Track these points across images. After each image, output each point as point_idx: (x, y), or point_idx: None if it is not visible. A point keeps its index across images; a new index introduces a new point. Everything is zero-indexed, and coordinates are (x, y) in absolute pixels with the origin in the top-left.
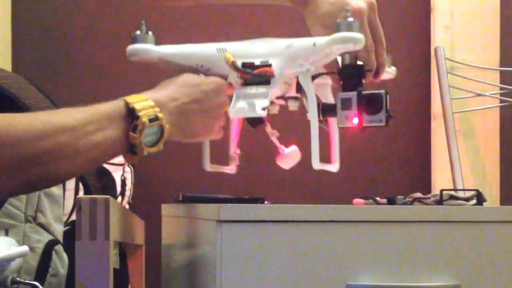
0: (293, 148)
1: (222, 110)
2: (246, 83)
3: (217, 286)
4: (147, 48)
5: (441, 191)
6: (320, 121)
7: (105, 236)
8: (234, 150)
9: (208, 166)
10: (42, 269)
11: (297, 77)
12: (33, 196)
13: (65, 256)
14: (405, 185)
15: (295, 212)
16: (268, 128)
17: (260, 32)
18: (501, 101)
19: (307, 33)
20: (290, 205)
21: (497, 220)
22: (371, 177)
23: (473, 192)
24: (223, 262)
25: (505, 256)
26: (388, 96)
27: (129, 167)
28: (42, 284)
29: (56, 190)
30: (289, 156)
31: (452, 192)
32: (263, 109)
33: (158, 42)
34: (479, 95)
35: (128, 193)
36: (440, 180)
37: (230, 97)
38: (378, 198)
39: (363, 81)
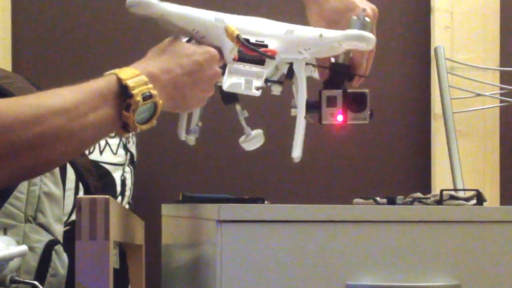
0: (258, 131)
1: (214, 81)
2: (240, 59)
3: (217, 286)
4: (150, 1)
5: (441, 191)
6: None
7: (105, 236)
8: (197, 121)
9: (183, 136)
10: (42, 269)
11: (290, 63)
12: (33, 196)
13: (65, 256)
14: (405, 185)
15: (295, 212)
16: (239, 107)
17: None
18: (501, 101)
19: (301, 23)
20: (290, 205)
21: (497, 220)
22: (371, 177)
23: (473, 192)
24: (223, 262)
25: (505, 256)
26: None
27: (129, 167)
28: (42, 284)
29: (56, 190)
30: (253, 139)
31: (452, 192)
32: (257, 89)
33: None
34: (479, 95)
35: (128, 193)
36: (440, 180)
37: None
38: (378, 198)
39: (348, 84)
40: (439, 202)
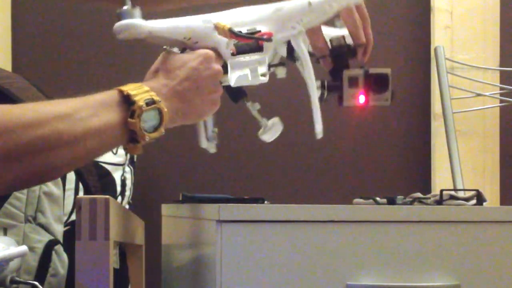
0: (275, 119)
1: (217, 79)
2: (239, 52)
3: (217, 286)
4: (136, 23)
5: (441, 191)
6: (322, 99)
7: (105, 236)
8: (212, 128)
9: (204, 144)
10: (42, 269)
11: (288, 42)
12: (33, 196)
13: (65, 256)
14: (405, 185)
15: (295, 212)
16: (249, 101)
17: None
18: (501, 101)
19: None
20: (290, 205)
21: (497, 220)
22: (371, 177)
23: (473, 192)
24: (223, 262)
25: (505, 256)
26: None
27: (129, 167)
28: (42, 284)
29: (56, 190)
30: (272, 129)
31: (452, 192)
32: (263, 75)
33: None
34: (479, 95)
35: (128, 193)
36: (440, 180)
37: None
38: (378, 198)
39: (354, 59)
40: (439, 202)
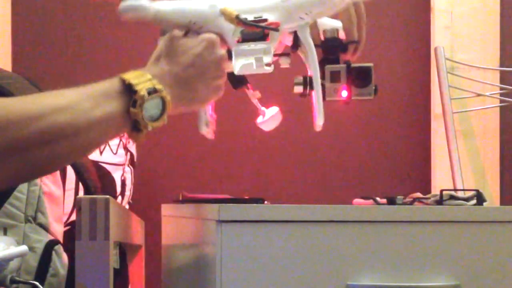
0: (275, 109)
1: (221, 65)
2: (244, 40)
3: (217, 286)
4: (142, 4)
5: (441, 191)
6: (303, 95)
7: (105, 236)
8: (209, 113)
9: (205, 130)
10: (42, 269)
11: (293, 32)
12: (33, 196)
13: (65, 256)
14: (405, 185)
15: (295, 212)
16: (249, 89)
17: None
18: (501, 101)
19: None
20: (290, 205)
21: (497, 220)
22: (371, 177)
23: (473, 192)
24: (223, 262)
25: (505, 256)
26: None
27: (129, 167)
28: (42, 284)
29: (56, 190)
30: (271, 118)
31: (452, 192)
32: (268, 65)
33: None
34: (479, 95)
35: (128, 193)
36: (440, 180)
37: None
38: (378, 198)
39: (344, 55)
40: (439, 202)
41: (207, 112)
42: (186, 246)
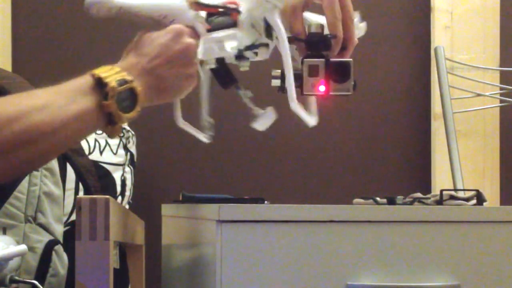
0: (268, 108)
1: (189, 54)
2: (214, 29)
3: (217, 286)
4: None
5: (441, 191)
6: (282, 89)
7: (105, 236)
8: (206, 117)
9: (181, 122)
10: (42, 269)
11: (264, 19)
12: (33, 196)
13: (65, 256)
14: (405, 185)
15: (295, 212)
16: (240, 88)
17: None
18: (501, 101)
19: None
20: (290, 205)
21: (497, 220)
22: (371, 177)
23: (473, 192)
24: (223, 262)
25: (505, 256)
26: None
27: (129, 167)
28: (42, 284)
29: (56, 190)
30: (264, 117)
31: (452, 192)
32: (232, 48)
33: None
34: (479, 95)
35: (128, 193)
36: (440, 180)
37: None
38: (378, 198)
39: (329, 52)
40: (439, 202)
41: (204, 117)
42: (186, 246)
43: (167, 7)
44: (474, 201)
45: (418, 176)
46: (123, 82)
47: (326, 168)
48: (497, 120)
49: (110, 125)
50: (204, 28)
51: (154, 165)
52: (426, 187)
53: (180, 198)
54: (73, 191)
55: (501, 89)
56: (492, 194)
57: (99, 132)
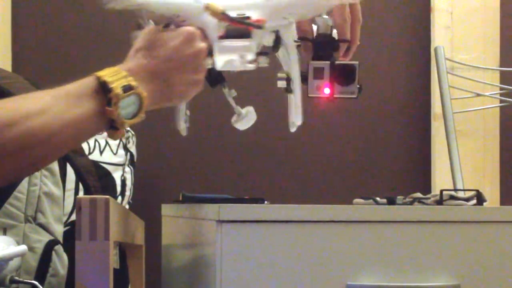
0: (249, 108)
1: (200, 59)
2: (227, 36)
3: (217, 286)
4: None
5: (441, 191)
6: (288, 90)
7: (105, 236)
8: (184, 110)
9: (182, 126)
10: (42, 269)
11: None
12: (33, 196)
13: (65, 257)
14: (405, 185)
15: (295, 212)
16: (226, 87)
17: None
18: (501, 101)
19: None
20: (290, 205)
21: (497, 220)
22: (371, 177)
23: (473, 192)
24: (223, 262)
25: (505, 256)
26: (359, 67)
27: (129, 167)
28: (42, 284)
29: (56, 190)
30: (245, 117)
31: (452, 192)
32: (250, 63)
33: None
34: (479, 95)
35: (128, 193)
36: (440, 180)
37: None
38: (378, 198)
39: (336, 54)
40: (439, 202)
41: (182, 110)
42: (186, 246)
43: (182, 7)
44: (474, 201)
45: (418, 176)
46: (128, 88)
47: (326, 168)
48: (497, 120)
49: (112, 130)
50: (217, 33)
51: (154, 165)
52: (426, 187)
53: (180, 198)
54: (73, 191)
55: (501, 89)
56: (492, 194)
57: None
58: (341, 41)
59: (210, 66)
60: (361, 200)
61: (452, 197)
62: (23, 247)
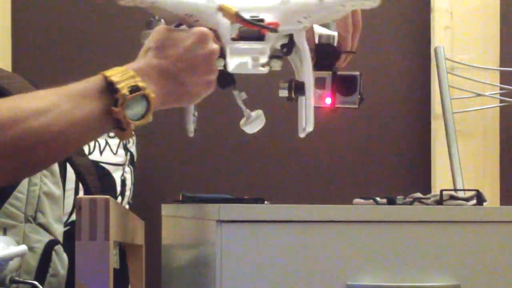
0: (258, 112)
1: (212, 60)
2: (241, 38)
3: (217, 286)
4: None
5: (441, 191)
6: (290, 99)
7: (105, 236)
8: (192, 112)
9: (191, 126)
10: (42, 269)
11: (289, 35)
12: (33, 196)
13: (65, 257)
14: (405, 185)
15: (295, 212)
16: (236, 89)
17: None
18: (501, 101)
19: None
20: (290, 205)
21: (497, 220)
22: (371, 177)
23: (473, 192)
24: (223, 262)
25: (505, 256)
26: (361, 78)
27: (129, 167)
28: (42, 284)
29: (56, 190)
30: (254, 121)
31: (452, 192)
32: (263, 66)
33: None
34: (479, 95)
35: (128, 193)
36: (440, 180)
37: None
38: (378, 198)
39: (336, 63)
40: (439, 202)
41: (191, 111)
42: (186, 246)
43: (195, 7)
44: (474, 201)
45: (418, 176)
46: (135, 89)
47: (326, 168)
48: (497, 120)
49: (119, 130)
50: (230, 35)
51: (154, 165)
52: (426, 187)
53: (180, 198)
54: (73, 191)
55: (501, 89)
56: (492, 194)
57: None
58: (344, 52)
59: (221, 68)
60: (361, 200)
61: (452, 197)
62: (23, 247)
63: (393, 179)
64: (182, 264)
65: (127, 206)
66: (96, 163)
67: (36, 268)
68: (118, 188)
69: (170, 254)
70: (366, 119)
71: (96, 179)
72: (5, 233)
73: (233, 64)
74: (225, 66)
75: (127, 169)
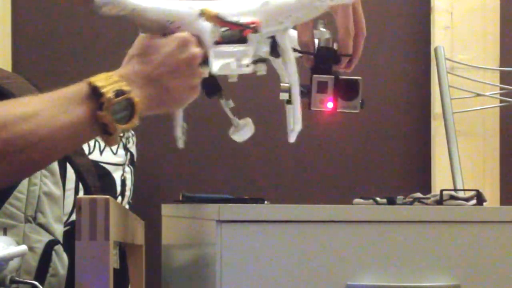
0: (247, 120)
1: (194, 64)
2: (224, 42)
3: (217, 286)
4: None
5: (441, 191)
6: (289, 102)
7: (105, 236)
8: (181, 123)
9: (180, 132)
10: (42, 269)
11: (272, 37)
12: (33, 196)
13: (65, 257)
14: (405, 185)
15: (295, 212)
16: (222, 98)
17: None
18: (501, 101)
19: None
20: (290, 205)
21: (497, 220)
22: (371, 177)
23: (473, 192)
24: (223, 262)
25: (505, 256)
26: (363, 83)
27: (129, 167)
28: (42, 284)
29: (56, 190)
30: (243, 129)
31: (452, 192)
32: (247, 66)
33: None
34: (479, 95)
35: (128, 193)
36: (440, 180)
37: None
38: (378, 198)
39: (337, 66)
40: (439, 202)
41: (179, 122)
42: (186, 246)
43: (176, 13)
44: (474, 201)
45: (418, 176)
46: (120, 93)
47: (326, 168)
48: (497, 120)
49: (106, 135)
50: (212, 39)
51: (154, 165)
52: (426, 187)
53: (180, 198)
54: (73, 191)
55: (501, 89)
56: (492, 194)
57: None
58: (343, 55)
59: (206, 76)
60: (361, 200)
61: (452, 197)
62: (23, 247)
63: (393, 179)
64: (182, 264)
65: (127, 206)
66: (96, 163)
67: (36, 268)
68: (118, 188)
69: (170, 254)
70: (366, 119)
71: (96, 179)
72: (5, 233)
73: (216, 66)
74: (210, 74)
75: (127, 169)
